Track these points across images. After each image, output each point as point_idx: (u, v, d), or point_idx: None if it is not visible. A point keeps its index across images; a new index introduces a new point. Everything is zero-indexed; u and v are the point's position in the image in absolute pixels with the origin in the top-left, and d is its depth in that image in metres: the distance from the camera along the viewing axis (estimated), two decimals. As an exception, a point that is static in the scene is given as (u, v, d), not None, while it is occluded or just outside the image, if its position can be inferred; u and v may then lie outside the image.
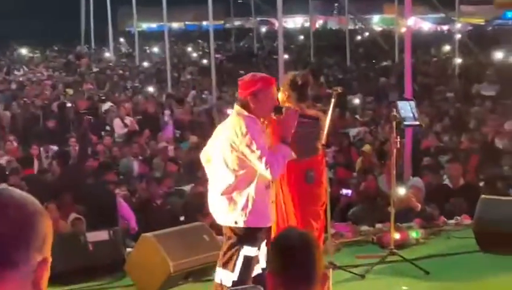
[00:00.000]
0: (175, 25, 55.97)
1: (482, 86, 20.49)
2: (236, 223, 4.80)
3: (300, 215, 5.56)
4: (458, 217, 8.34)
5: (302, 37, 39.73)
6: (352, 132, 15.11)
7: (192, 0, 40.50)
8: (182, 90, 21.66)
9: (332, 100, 6.13)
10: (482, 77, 22.22)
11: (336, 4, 51.30)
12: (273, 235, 5.25)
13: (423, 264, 6.70)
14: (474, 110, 16.58)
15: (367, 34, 42.63)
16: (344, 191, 8.67)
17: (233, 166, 4.79)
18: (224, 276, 4.84)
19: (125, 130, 14.94)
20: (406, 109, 6.53)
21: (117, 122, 15.32)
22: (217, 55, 29.03)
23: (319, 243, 4.58)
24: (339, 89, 6.37)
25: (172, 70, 23.48)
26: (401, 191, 8.74)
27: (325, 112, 6.07)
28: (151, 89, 20.93)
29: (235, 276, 4.78)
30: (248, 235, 4.82)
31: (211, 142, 5.12)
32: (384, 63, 27.29)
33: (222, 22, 51.92)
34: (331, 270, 5.96)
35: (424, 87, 19.83)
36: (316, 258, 2.67)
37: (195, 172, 11.49)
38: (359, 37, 42.69)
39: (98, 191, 9.63)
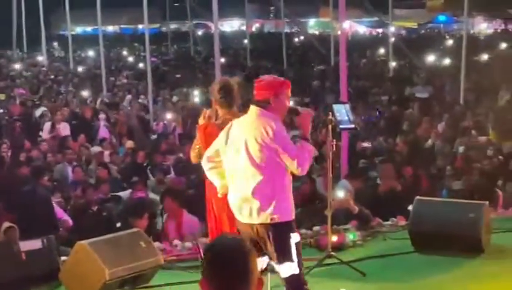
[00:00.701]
0: (110, 28, 55.37)
1: (416, 88, 20.91)
2: (272, 219, 4.89)
3: (234, 221, 5.46)
4: (394, 219, 8.42)
5: (238, 40, 39.75)
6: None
7: (127, 3, 40.03)
8: (117, 94, 21.35)
9: None
10: (415, 80, 22.68)
11: (272, 8, 51.61)
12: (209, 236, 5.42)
13: (360, 266, 6.74)
14: (408, 113, 16.88)
15: (303, 37, 42.97)
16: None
17: (263, 165, 4.89)
18: (289, 268, 4.95)
19: (50, 135, 14.65)
20: (341, 112, 6.56)
21: (46, 126, 15.05)
22: (153, 59, 28.84)
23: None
24: None
25: (107, 74, 23.18)
26: (340, 193, 8.80)
27: None
28: (85, 93, 20.55)
29: (296, 263, 4.95)
30: (287, 226, 4.95)
31: (222, 146, 5.12)
32: (321, 67, 27.49)
33: (158, 25, 51.62)
34: (269, 274, 5.94)
35: (359, 90, 20.10)
36: (250, 263, 2.65)
37: (131, 177, 11.42)
38: (296, 40, 43.05)
39: (32, 197, 9.40)
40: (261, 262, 5.02)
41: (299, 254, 5.01)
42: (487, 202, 7.70)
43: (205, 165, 5.27)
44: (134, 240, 6.69)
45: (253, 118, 5.02)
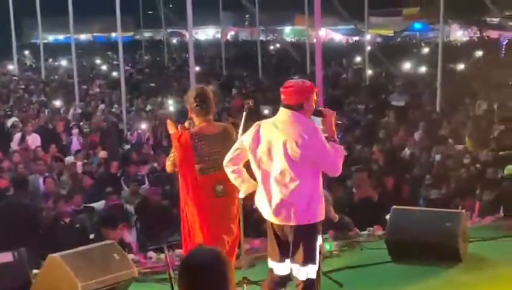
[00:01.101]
0: (83, 37, 55.01)
1: (392, 96, 20.95)
2: (309, 220, 4.99)
3: (208, 231, 5.50)
4: (371, 228, 8.37)
5: (213, 48, 39.66)
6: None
7: (100, 11, 39.69)
8: (90, 104, 21.10)
9: (244, 113, 6.03)
10: (391, 88, 22.73)
11: (247, 15, 51.65)
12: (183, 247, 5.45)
13: (337, 276, 6.65)
14: (384, 121, 16.87)
15: (279, 45, 43.00)
16: (257, 205, 8.54)
17: (302, 168, 4.95)
18: (310, 270, 5.02)
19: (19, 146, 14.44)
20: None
21: (16, 137, 14.83)
22: (126, 68, 28.64)
23: (229, 260, 4.29)
24: (250, 102, 6.26)
25: (80, 83, 22.95)
26: None
27: (237, 125, 5.95)
28: (57, 103, 20.28)
29: (316, 266, 5.06)
30: (317, 228, 5.10)
31: (251, 149, 5.13)
32: (296, 77, 27.36)
33: (132, 33, 51.41)
34: (244, 286, 5.85)
35: (334, 99, 20.07)
36: (226, 275, 2.65)
37: (105, 188, 11.26)
38: (271, 48, 43.05)
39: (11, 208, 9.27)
40: (285, 267, 5.13)
41: (320, 256, 5.18)
42: (464, 211, 7.71)
43: (228, 167, 5.27)
44: (108, 252, 6.55)
45: (290, 121, 5.04)
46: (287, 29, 60.31)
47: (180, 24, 34.39)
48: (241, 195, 5.39)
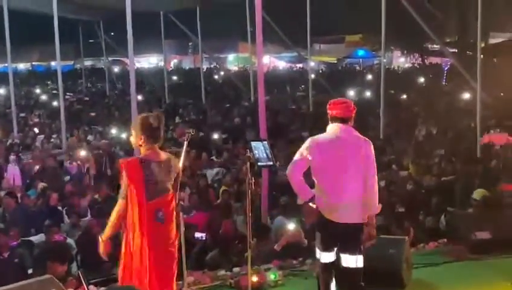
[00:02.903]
0: (21, 66, 54.19)
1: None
2: (363, 219, 5.89)
3: (155, 257, 5.50)
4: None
5: (156, 76, 39.40)
6: (210, 172, 14.96)
7: (39, 40, 39.16)
8: (29, 134, 20.61)
9: (185, 142, 6.17)
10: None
11: (190, 43, 51.63)
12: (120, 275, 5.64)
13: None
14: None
15: (222, 73, 43.04)
16: (197, 235, 8.43)
17: (364, 174, 5.84)
18: (360, 259, 5.89)
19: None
20: (260, 149, 6.42)
21: None
22: (66, 97, 28.19)
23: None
24: (192, 131, 6.32)
25: (18, 113, 22.44)
26: (291, 226, 9.12)
27: (178, 154, 6.01)
28: (-5, 133, 19.78)
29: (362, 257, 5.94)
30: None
31: (321, 159, 5.87)
32: (244, 103, 27.30)
33: (72, 62, 50.79)
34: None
35: (278, 126, 20.07)
36: None
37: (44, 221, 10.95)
38: (216, 76, 43.05)
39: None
40: (331, 255, 5.95)
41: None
42: (407, 237, 7.70)
43: (297, 173, 5.91)
44: (45, 287, 6.32)
45: (351, 134, 5.99)
46: (231, 56, 60.58)
47: (122, 52, 34.06)
48: (300, 201, 6.02)
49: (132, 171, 5.51)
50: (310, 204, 5.88)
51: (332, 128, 6.00)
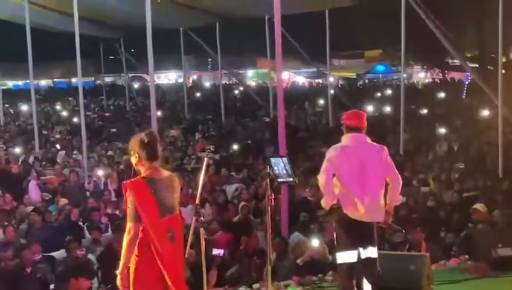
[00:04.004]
0: (43, 82, 54.67)
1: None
2: (382, 217, 6.62)
3: (171, 277, 5.34)
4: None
5: (176, 92, 39.58)
6: (230, 188, 14.94)
7: (60, 57, 39.32)
8: (50, 150, 20.74)
9: (205, 158, 6.18)
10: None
11: (210, 59, 51.82)
12: None
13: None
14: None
15: (242, 88, 43.09)
16: (215, 251, 8.41)
17: (384, 178, 6.55)
18: (376, 250, 6.59)
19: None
20: (279, 165, 6.44)
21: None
22: (87, 113, 28.34)
23: None
24: (211, 147, 6.30)
25: (40, 129, 22.59)
26: (315, 242, 9.16)
27: (198, 170, 5.93)
28: (17, 150, 19.88)
29: None
30: None
31: (346, 165, 6.46)
32: (265, 119, 27.26)
33: (93, 78, 51.20)
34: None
35: (298, 142, 20.04)
36: None
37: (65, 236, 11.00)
38: (236, 92, 43.08)
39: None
40: (354, 255, 6.50)
41: None
42: (427, 254, 7.66)
43: (328, 178, 6.44)
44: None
45: (368, 142, 6.64)
46: (250, 72, 60.74)
47: (142, 68, 34.31)
48: (327, 205, 6.53)
49: (139, 191, 5.35)
50: (334, 202, 6.44)
51: (350, 137, 6.61)
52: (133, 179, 5.48)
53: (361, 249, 6.48)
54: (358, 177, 6.42)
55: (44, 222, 12.21)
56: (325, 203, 6.51)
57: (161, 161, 5.62)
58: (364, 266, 6.50)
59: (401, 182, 6.62)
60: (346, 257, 6.48)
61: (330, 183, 6.43)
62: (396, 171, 6.62)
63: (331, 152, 6.54)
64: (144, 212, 5.30)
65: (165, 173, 5.58)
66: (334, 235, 6.62)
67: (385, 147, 6.64)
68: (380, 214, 6.54)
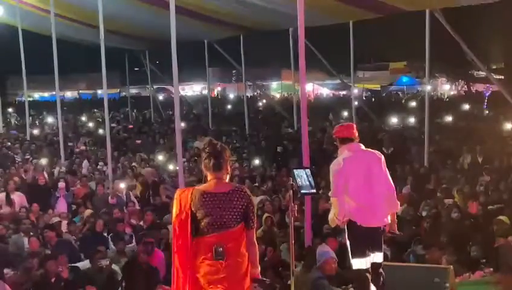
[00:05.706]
0: (68, 94, 55.18)
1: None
2: (387, 221, 6.87)
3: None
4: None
5: (200, 104, 39.68)
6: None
7: (86, 69, 39.60)
8: (75, 161, 20.91)
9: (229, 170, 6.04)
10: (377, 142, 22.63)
11: (234, 71, 52.01)
12: None
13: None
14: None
15: (265, 100, 43.12)
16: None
17: (386, 183, 6.84)
18: (381, 257, 6.86)
19: (8, 208, 14.23)
20: (303, 177, 6.43)
21: (0, 197, 14.60)
22: (112, 125, 28.53)
23: None
24: (235, 159, 6.35)
25: (65, 140, 22.78)
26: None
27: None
28: (43, 161, 20.08)
29: None
30: None
31: (354, 173, 6.73)
32: (289, 130, 27.23)
33: (118, 90, 51.55)
34: None
35: (322, 153, 19.99)
36: None
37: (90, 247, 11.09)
38: (260, 104, 43.12)
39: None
40: (368, 261, 6.74)
41: None
42: (451, 266, 7.63)
43: (341, 193, 6.70)
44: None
45: (364, 150, 6.95)
46: (274, 84, 60.80)
47: (167, 80, 34.47)
48: (338, 221, 6.78)
49: (182, 201, 5.21)
50: (345, 219, 6.70)
51: (347, 147, 6.92)
52: (184, 188, 5.37)
53: (372, 254, 6.74)
54: (365, 183, 6.71)
55: (59, 238, 12.21)
56: (332, 221, 6.90)
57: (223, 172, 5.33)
58: (374, 269, 6.75)
59: (394, 190, 6.90)
60: (359, 263, 6.71)
61: (341, 199, 6.71)
62: (390, 179, 6.89)
63: (335, 166, 6.85)
64: (179, 223, 5.20)
65: (228, 187, 5.29)
66: (348, 243, 6.80)
67: (382, 155, 6.95)
68: (386, 217, 6.81)
